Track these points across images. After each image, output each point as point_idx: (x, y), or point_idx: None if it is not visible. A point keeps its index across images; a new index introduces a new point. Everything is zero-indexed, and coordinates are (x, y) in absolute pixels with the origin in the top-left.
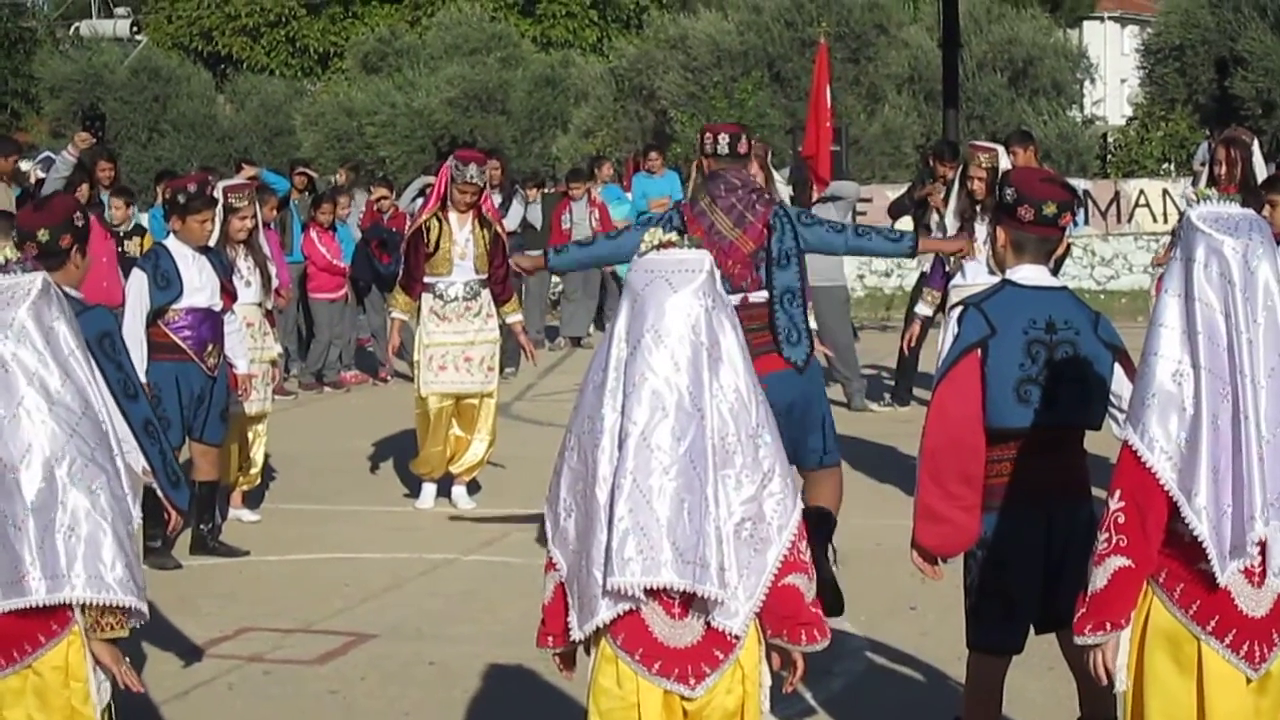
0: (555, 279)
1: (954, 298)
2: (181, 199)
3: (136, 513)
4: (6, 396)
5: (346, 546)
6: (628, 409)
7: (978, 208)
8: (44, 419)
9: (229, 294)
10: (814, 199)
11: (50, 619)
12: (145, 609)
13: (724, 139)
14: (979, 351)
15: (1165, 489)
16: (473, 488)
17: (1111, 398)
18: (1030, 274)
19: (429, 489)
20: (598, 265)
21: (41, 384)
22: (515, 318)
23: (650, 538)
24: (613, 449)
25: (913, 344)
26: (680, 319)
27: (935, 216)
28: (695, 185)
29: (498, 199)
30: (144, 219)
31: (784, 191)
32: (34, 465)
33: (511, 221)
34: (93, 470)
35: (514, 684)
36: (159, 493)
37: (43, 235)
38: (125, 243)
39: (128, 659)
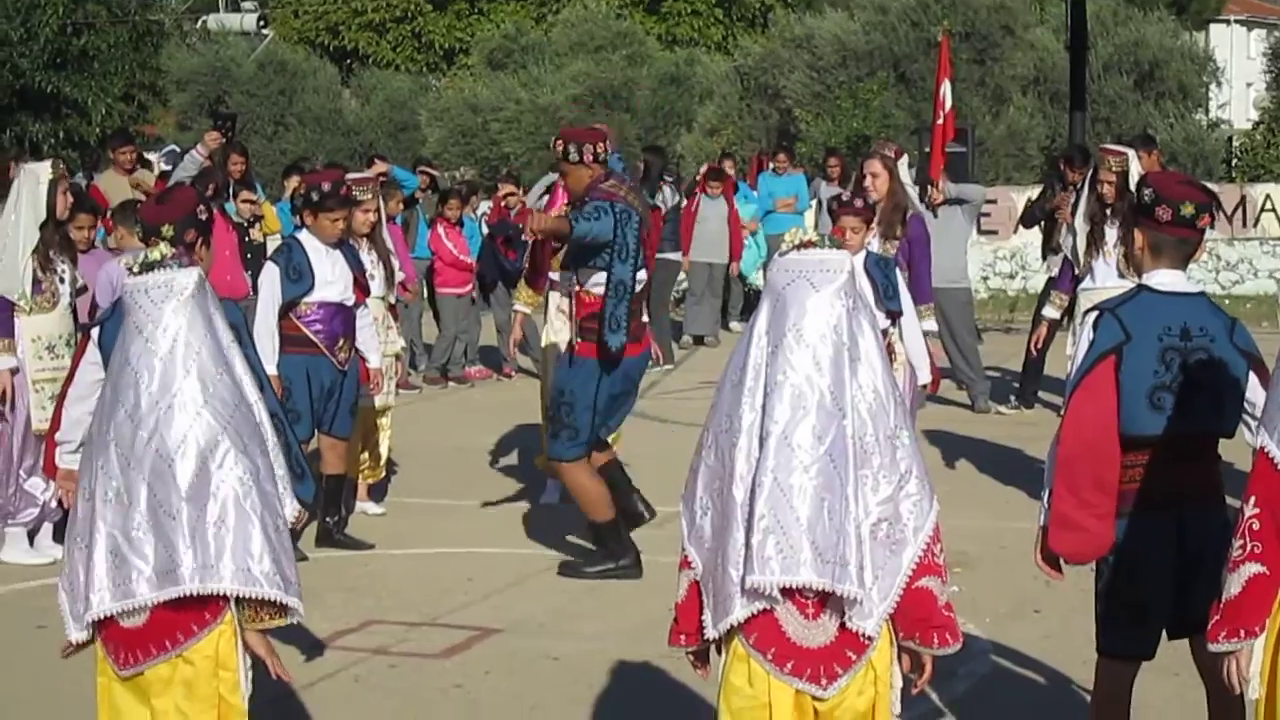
0: (681, 275)
1: (1082, 301)
2: (315, 196)
3: (290, 508)
4: (163, 388)
5: (470, 541)
6: (768, 407)
7: (1107, 211)
8: (199, 410)
9: (362, 288)
10: (938, 200)
11: (204, 609)
12: (296, 603)
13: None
14: (1114, 358)
15: None
16: None
17: (1246, 405)
18: (1167, 279)
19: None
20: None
21: (199, 376)
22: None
23: (790, 536)
24: (750, 447)
25: (1040, 346)
26: (822, 318)
27: (1064, 228)
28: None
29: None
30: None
31: (913, 192)
32: (189, 456)
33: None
34: (244, 463)
35: (640, 680)
36: None
37: (167, 231)
38: (250, 230)
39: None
